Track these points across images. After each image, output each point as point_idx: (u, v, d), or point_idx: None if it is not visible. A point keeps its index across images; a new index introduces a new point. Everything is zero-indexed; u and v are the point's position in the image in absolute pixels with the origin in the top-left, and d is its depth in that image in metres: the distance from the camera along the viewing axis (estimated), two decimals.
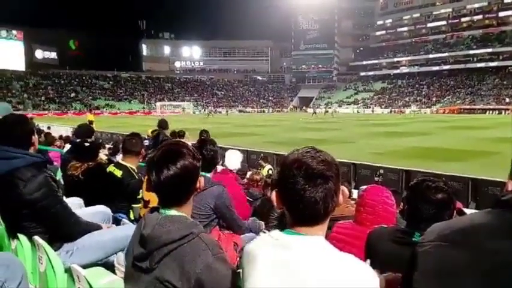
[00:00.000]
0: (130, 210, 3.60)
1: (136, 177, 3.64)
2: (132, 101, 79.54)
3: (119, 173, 3.60)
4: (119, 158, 4.87)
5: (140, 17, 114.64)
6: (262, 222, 3.71)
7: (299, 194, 1.11)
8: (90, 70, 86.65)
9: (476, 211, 1.15)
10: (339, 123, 36.33)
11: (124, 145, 3.80)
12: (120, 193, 3.55)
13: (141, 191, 3.41)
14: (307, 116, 53.34)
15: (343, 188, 1.22)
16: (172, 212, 1.51)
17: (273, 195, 1.24)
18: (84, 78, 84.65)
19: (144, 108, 75.32)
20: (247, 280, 1.19)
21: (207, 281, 1.35)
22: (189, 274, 1.35)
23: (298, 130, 28.86)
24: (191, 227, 1.45)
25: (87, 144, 4.11)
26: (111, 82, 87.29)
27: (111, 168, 3.72)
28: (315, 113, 55.70)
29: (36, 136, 2.74)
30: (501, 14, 79.86)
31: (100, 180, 3.63)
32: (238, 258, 3.01)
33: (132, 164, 3.68)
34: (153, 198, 2.98)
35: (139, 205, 3.43)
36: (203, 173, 3.12)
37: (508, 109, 56.48)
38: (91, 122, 31.51)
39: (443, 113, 61.45)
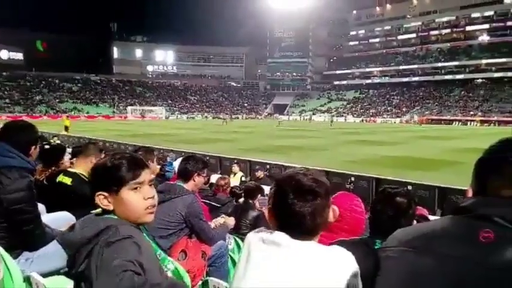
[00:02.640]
0: None
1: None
2: (100, 105, 78.13)
3: (68, 180, 3.39)
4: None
5: (112, 19, 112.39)
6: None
7: (289, 208, 1.16)
8: (57, 72, 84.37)
9: (439, 217, 1.23)
10: (312, 131, 36.61)
11: (77, 151, 3.68)
12: (74, 202, 3.19)
13: None
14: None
15: (334, 207, 1.25)
16: (104, 215, 1.48)
17: (267, 211, 1.27)
18: (51, 80, 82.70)
19: (114, 112, 74.25)
20: (240, 269, 1.22)
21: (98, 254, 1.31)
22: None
23: (273, 138, 28.84)
24: (109, 223, 1.42)
25: (46, 147, 3.92)
26: (79, 85, 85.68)
27: (60, 177, 3.47)
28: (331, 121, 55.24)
29: (38, 148, 2.86)
30: (468, 28, 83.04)
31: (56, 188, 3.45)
32: (206, 267, 3.01)
33: (84, 170, 3.44)
34: None
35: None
36: (179, 183, 3.19)
37: (473, 120, 58.47)
38: (66, 128, 29.21)
39: (413, 123, 62.90)
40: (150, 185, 1.57)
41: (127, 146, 17.48)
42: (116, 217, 1.48)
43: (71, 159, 4.15)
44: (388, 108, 77.39)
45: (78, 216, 3.26)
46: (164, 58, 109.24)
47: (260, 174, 9.35)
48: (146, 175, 1.54)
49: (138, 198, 1.51)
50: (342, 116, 76.32)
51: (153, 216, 1.57)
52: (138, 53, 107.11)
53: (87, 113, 69.62)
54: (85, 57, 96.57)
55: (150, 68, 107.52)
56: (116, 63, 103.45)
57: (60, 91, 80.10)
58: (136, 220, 1.52)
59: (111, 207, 1.48)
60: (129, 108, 73.73)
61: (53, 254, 2.50)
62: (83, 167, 3.46)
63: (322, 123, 60.74)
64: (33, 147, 2.73)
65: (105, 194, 1.47)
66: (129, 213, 1.50)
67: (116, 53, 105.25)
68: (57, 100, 75.23)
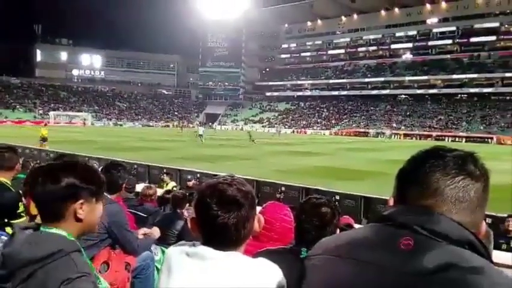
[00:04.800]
0: (8, 227, 3.23)
1: (12, 190, 3.43)
2: (20, 109, 73.06)
3: None
4: None
5: (36, 20, 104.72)
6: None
7: (212, 219, 1.13)
8: None
9: (362, 226, 1.27)
10: (242, 141, 36.38)
11: None
12: None
13: (20, 204, 3.37)
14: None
15: (259, 216, 1.25)
16: (52, 230, 1.37)
17: (190, 221, 1.25)
18: None
19: (35, 117, 69.49)
20: (162, 284, 1.19)
21: None
22: None
23: (204, 147, 28.52)
24: (62, 245, 1.31)
25: None
26: None
27: None
28: (279, 132, 51.57)
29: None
30: (393, 46, 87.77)
31: None
32: (131, 279, 3.01)
33: (4, 178, 3.39)
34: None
35: (22, 220, 3.27)
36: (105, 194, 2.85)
37: (397, 134, 61.68)
38: (45, 139, 23.55)
39: (341, 135, 65.05)
40: None
41: (48, 153, 16.68)
42: (65, 234, 1.36)
43: None
44: (318, 120, 79.49)
45: None
46: (91, 62, 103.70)
47: (192, 183, 9.40)
48: None
49: (101, 209, 1.52)
50: (274, 126, 77.08)
51: None
52: (63, 56, 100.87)
53: (6, 117, 65.05)
54: (5, 59, 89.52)
55: (75, 72, 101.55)
56: (39, 66, 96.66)
57: None
58: (87, 231, 1.51)
59: (83, 216, 1.42)
60: (51, 113, 69.57)
61: None
62: (5, 176, 3.42)
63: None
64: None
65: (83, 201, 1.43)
66: (91, 223, 1.48)
67: (39, 55, 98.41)
68: None
